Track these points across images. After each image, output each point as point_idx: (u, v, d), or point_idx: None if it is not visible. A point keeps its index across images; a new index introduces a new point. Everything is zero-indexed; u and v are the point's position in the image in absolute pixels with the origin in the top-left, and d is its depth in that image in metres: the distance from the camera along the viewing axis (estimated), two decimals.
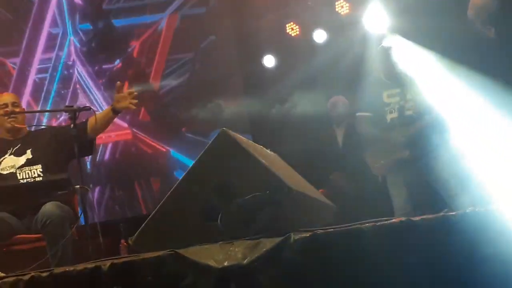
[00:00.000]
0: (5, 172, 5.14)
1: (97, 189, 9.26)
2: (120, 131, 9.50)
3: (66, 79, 9.51)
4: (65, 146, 5.13)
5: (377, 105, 6.15)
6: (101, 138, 8.76)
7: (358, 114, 6.35)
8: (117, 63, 9.68)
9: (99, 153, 9.35)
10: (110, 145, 9.49)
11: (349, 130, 7.45)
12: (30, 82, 9.36)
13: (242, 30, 9.44)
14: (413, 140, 5.97)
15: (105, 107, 7.83)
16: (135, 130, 9.55)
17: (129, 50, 9.72)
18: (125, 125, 9.53)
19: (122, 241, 6.50)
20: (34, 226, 4.87)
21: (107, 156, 9.48)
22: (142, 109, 9.58)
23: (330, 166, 7.49)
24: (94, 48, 9.62)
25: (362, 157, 6.68)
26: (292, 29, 8.75)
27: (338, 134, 7.58)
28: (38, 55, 9.45)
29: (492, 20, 5.40)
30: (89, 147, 5.31)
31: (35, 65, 9.42)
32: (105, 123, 5.32)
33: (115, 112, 5.27)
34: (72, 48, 9.54)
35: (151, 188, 9.46)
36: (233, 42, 9.56)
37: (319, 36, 8.44)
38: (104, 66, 9.67)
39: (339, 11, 8.15)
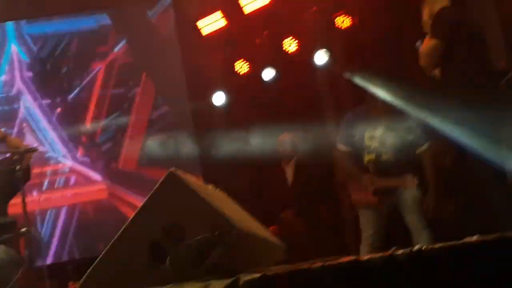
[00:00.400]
0: None
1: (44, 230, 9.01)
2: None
3: (8, 115, 8.81)
4: (8, 188, 5.04)
5: (356, 142, 6.24)
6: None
7: (338, 146, 6.40)
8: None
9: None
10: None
11: (298, 167, 7.49)
12: None
13: (191, 68, 9.46)
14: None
15: (60, 147, 7.66)
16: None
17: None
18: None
19: (70, 283, 6.40)
20: None
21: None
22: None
23: (280, 204, 7.49)
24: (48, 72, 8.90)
25: (312, 194, 6.74)
26: (241, 67, 8.79)
27: (287, 171, 7.60)
28: None
29: (437, 65, 5.60)
30: (28, 175, 5.22)
31: None
32: None
33: None
34: (16, 68, 8.80)
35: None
36: (182, 80, 9.55)
37: (268, 74, 8.49)
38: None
39: (287, 49, 8.22)
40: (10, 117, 8.75)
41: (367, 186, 6.17)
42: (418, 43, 5.81)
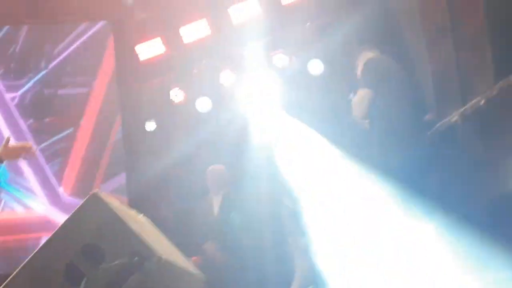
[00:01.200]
0: None
1: None
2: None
3: None
4: None
5: None
6: None
7: None
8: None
9: None
10: None
11: (225, 200, 7.48)
12: None
13: (126, 92, 9.40)
14: None
15: None
16: None
17: None
18: None
19: None
20: None
21: None
22: None
23: (205, 234, 7.46)
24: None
25: (237, 227, 6.75)
26: (176, 95, 8.76)
27: (215, 203, 7.58)
28: None
29: (366, 115, 5.76)
30: None
31: None
32: None
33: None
34: None
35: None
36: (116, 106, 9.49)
37: (203, 104, 8.47)
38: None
39: (223, 82, 8.25)
40: None
41: None
42: (351, 95, 5.95)
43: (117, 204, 3.76)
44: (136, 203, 7.47)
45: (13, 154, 5.04)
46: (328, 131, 6.69)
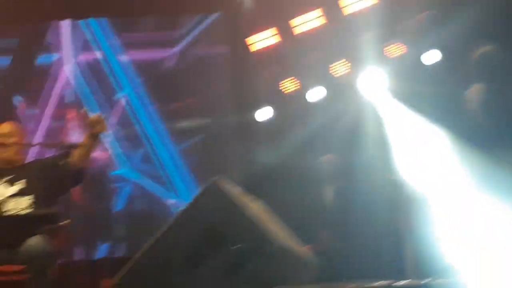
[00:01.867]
0: None
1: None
2: None
3: None
4: (57, 181, 5.14)
5: None
6: None
7: None
8: None
9: None
10: None
11: (339, 189, 7.49)
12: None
13: (239, 83, 9.53)
14: None
15: None
16: None
17: None
18: None
19: (104, 280, 6.45)
20: (17, 259, 4.84)
21: None
22: None
23: (318, 222, 7.49)
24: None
25: (351, 216, 6.74)
26: (289, 85, 8.82)
27: (328, 192, 7.60)
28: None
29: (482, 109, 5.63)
30: (79, 178, 5.30)
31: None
32: (87, 153, 5.28)
33: (93, 137, 5.27)
34: None
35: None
36: (229, 94, 9.64)
37: (316, 94, 8.51)
38: None
39: (337, 72, 8.24)
40: None
41: None
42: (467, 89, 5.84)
43: (236, 191, 3.83)
44: (250, 192, 7.57)
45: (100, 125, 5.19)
46: (443, 122, 6.58)
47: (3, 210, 5.03)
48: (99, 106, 9.60)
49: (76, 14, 9.06)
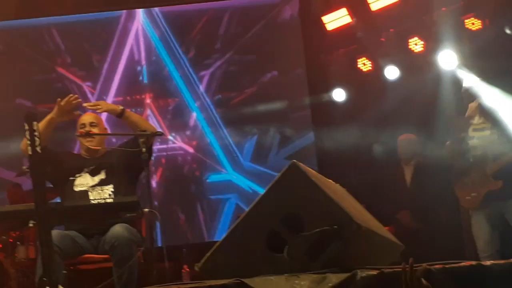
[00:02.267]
0: (77, 190, 5.23)
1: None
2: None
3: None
4: (135, 169, 5.22)
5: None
6: None
7: (448, 143, 6.32)
8: None
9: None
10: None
11: (418, 169, 7.38)
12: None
13: (313, 63, 9.49)
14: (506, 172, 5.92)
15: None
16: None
17: None
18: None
19: (185, 266, 6.53)
20: (102, 247, 4.94)
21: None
22: None
23: (397, 204, 7.40)
24: None
25: (431, 197, 6.61)
26: (364, 64, 8.74)
27: (406, 172, 7.49)
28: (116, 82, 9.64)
29: None
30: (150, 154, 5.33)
31: (113, 90, 9.63)
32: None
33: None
34: None
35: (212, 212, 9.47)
36: (303, 75, 9.59)
37: (391, 72, 8.40)
38: None
39: (413, 49, 8.10)
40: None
41: (476, 186, 6.04)
42: None
43: (314, 173, 3.80)
44: (325, 173, 7.53)
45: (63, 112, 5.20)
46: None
47: (89, 199, 5.12)
48: None
49: None
